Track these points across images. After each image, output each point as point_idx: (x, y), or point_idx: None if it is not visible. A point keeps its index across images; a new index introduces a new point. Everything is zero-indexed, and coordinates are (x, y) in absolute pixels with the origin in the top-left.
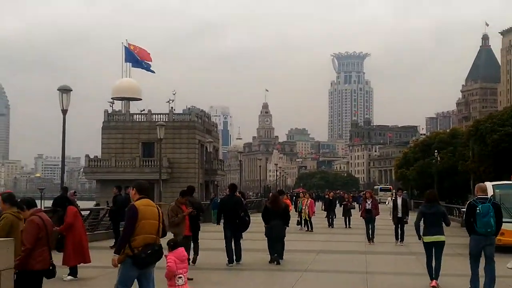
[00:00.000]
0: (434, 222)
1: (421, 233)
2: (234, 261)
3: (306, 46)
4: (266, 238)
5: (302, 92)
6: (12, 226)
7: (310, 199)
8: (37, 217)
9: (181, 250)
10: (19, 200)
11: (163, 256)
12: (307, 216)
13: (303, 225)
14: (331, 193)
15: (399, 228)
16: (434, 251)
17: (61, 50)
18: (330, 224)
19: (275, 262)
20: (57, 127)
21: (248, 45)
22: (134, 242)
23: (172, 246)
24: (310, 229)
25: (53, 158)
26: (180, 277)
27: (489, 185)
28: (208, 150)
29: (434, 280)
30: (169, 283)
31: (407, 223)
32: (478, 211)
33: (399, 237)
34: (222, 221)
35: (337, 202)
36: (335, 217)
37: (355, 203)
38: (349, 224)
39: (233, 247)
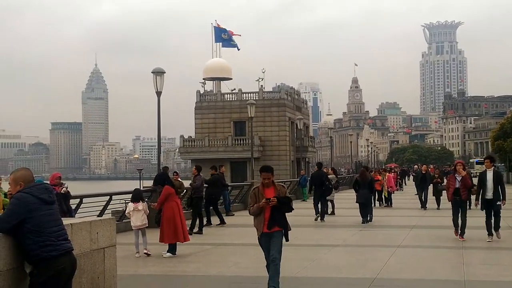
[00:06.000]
0: None
1: None
2: (319, 217)
3: (395, 17)
4: (358, 204)
5: (392, 65)
6: None
7: (387, 173)
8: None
9: None
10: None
11: None
12: (386, 193)
13: (383, 201)
14: (424, 166)
15: (491, 216)
16: None
17: (153, 32)
18: (423, 205)
19: (365, 222)
20: (152, 109)
21: (335, 18)
22: None
23: None
24: (389, 205)
25: (149, 140)
26: None
27: None
28: (299, 127)
29: None
30: None
31: (501, 208)
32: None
33: (492, 228)
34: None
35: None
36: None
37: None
38: (439, 205)
39: (319, 207)
